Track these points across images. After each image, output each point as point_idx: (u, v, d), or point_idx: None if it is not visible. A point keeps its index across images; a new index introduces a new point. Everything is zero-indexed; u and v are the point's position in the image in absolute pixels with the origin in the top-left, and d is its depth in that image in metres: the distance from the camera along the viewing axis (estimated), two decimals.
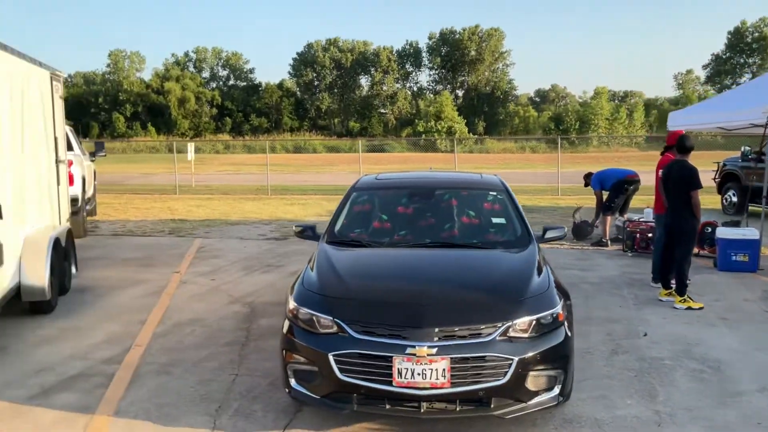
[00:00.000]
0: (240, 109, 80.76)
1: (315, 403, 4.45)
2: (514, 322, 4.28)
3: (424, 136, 61.05)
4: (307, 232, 6.01)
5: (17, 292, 6.97)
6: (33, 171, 7.79)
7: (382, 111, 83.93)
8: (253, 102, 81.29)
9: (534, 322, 4.33)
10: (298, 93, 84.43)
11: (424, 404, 4.18)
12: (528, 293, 4.57)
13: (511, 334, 4.25)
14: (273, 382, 5.38)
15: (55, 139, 9.04)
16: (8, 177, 6.73)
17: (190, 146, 26.00)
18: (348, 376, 4.23)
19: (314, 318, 4.46)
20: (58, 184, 9.15)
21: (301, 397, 4.50)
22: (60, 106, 9.46)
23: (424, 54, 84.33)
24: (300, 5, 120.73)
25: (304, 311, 4.54)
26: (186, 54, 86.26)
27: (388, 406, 4.24)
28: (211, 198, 21.06)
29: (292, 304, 4.68)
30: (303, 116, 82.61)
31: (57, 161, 9.08)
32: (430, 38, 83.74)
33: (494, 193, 6.13)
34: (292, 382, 4.50)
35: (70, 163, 11.04)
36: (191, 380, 5.45)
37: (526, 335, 4.29)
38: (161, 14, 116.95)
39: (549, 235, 5.69)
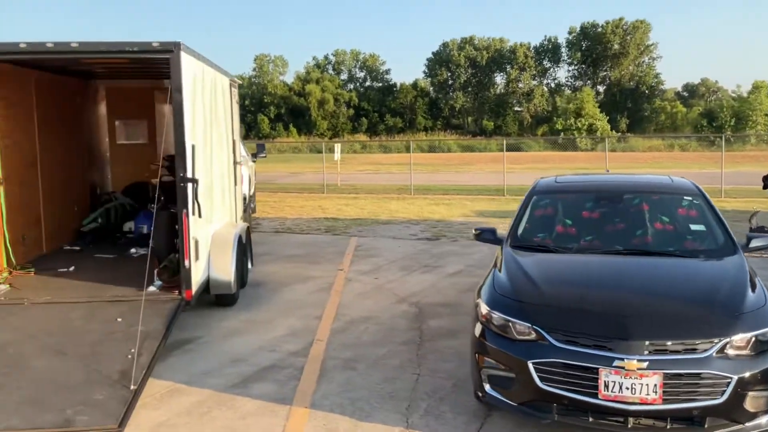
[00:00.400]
0: (376, 109, 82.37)
1: (512, 410, 4.41)
2: (732, 338, 4.02)
3: (562, 134, 59.24)
4: (486, 235, 5.96)
5: (206, 285, 7.47)
6: (218, 172, 8.34)
7: (518, 109, 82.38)
8: (388, 102, 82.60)
9: (753, 339, 4.04)
10: (432, 92, 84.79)
11: (631, 419, 4.02)
12: (745, 308, 4.27)
13: (729, 351, 4.00)
14: (457, 384, 5.40)
15: (233, 141, 9.63)
16: (203, 177, 7.22)
17: (337, 147, 26.81)
18: (549, 385, 4.15)
19: (510, 324, 4.42)
20: (235, 184, 9.75)
21: (496, 402, 4.47)
22: (236, 110, 10.07)
23: (563, 49, 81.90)
24: (437, 5, 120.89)
25: (498, 316, 4.51)
26: (326, 57, 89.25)
27: (591, 419, 4.12)
28: (357, 197, 21.60)
29: (484, 309, 4.66)
30: (437, 115, 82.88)
31: (234, 162, 9.67)
32: (570, 33, 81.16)
33: (689, 198, 5.79)
34: (487, 387, 4.48)
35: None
36: (376, 377, 5.59)
37: (744, 353, 4.01)
38: (304, 19, 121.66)
39: (755, 243, 5.28)
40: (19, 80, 8.24)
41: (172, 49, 6.32)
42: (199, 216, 6.83)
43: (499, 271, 5.09)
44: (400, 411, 4.92)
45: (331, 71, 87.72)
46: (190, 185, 6.61)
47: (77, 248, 9.22)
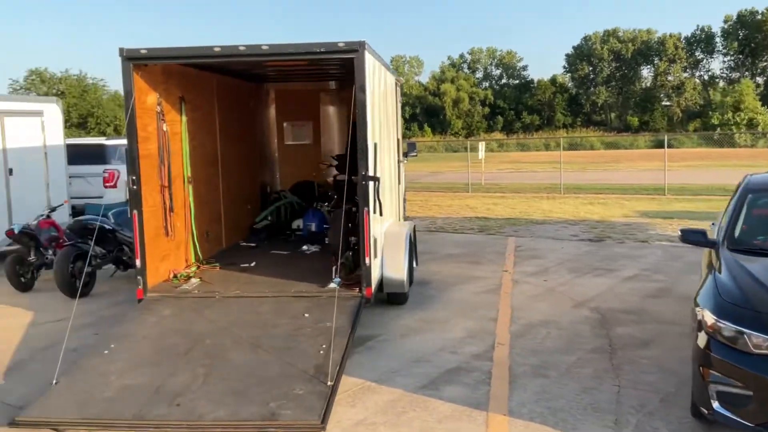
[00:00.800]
0: (512, 107, 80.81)
1: (746, 431, 3.96)
2: None
3: (719, 129, 55.04)
4: (694, 236, 5.44)
5: (379, 283, 7.47)
6: (387, 170, 8.34)
7: (666, 103, 77.55)
8: (524, 99, 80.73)
9: None
10: (572, 88, 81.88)
11: None
12: None
13: None
14: (665, 398, 4.99)
15: (398, 140, 9.64)
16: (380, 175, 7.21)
17: (481, 145, 26.42)
18: None
19: (745, 336, 3.97)
20: (399, 183, 9.76)
21: (725, 420, 4.05)
22: (399, 109, 10.08)
23: (717, 39, 76.10)
24: None
25: (729, 326, 4.07)
26: (461, 56, 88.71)
27: None
28: (504, 196, 21.15)
29: (709, 318, 4.23)
30: (577, 112, 79.92)
31: (399, 161, 9.68)
32: (725, 21, 75.28)
33: None
34: (715, 404, 4.06)
35: None
36: (572, 386, 5.28)
37: None
38: (439, 19, 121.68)
39: None
40: (203, 84, 8.70)
41: (357, 48, 6.35)
42: (380, 214, 6.84)
43: (721, 276, 4.61)
44: (607, 425, 4.59)
45: (466, 70, 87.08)
46: (371, 183, 6.61)
47: (252, 245, 9.61)
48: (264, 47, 6.44)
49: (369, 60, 6.60)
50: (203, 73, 8.62)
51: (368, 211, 6.55)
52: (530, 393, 5.18)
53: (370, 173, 6.58)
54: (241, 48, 6.45)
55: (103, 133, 49.61)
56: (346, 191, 6.82)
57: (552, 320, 7.15)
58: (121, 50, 6.51)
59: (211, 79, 8.95)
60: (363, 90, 6.40)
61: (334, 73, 10.09)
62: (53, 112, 11.82)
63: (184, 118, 7.98)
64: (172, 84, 7.66)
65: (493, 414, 4.83)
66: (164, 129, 7.40)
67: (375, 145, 6.71)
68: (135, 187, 6.68)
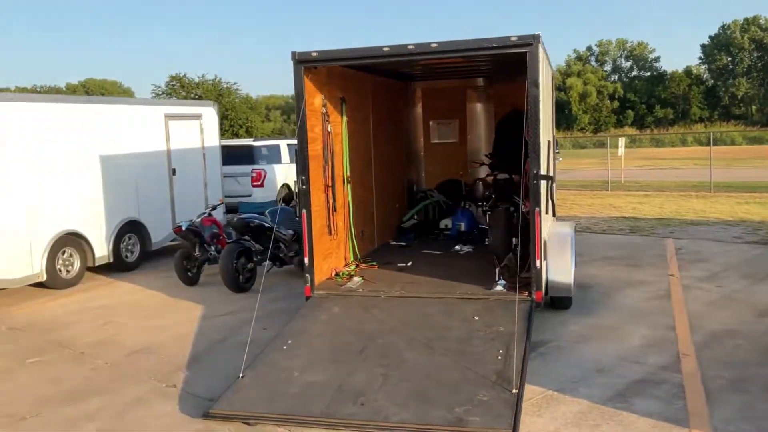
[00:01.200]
0: (643, 100, 76.92)
1: None
2: None
3: None
4: None
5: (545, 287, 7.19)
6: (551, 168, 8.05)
7: None
8: (657, 92, 76.59)
9: None
10: (709, 80, 76.73)
11: None
12: None
13: None
14: None
15: (553, 136, 9.30)
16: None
17: (621, 141, 25.19)
18: None
19: None
20: (553, 181, 9.40)
21: None
22: (554, 104, 9.75)
23: None
24: None
25: None
26: (588, 48, 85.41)
27: None
28: (648, 195, 20.02)
29: None
30: (714, 105, 74.84)
31: (554, 158, 9.33)
32: None
33: None
34: None
35: None
36: None
37: None
38: (565, 11, 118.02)
39: None
40: (360, 84, 8.78)
41: (531, 42, 6.12)
42: (554, 215, 6.58)
43: None
44: None
45: (593, 63, 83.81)
46: (543, 183, 6.37)
47: (403, 244, 9.61)
48: (433, 45, 6.35)
49: (541, 54, 6.36)
50: (360, 74, 8.70)
51: (539, 212, 6.30)
52: (732, 409, 4.76)
53: (542, 172, 6.33)
54: (410, 47, 6.40)
55: (236, 135, 51.95)
56: (523, 191, 6.59)
57: (737, 330, 6.60)
58: (294, 54, 6.65)
59: (367, 79, 9.02)
60: (536, 85, 6.16)
61: (483, 69, 9.91)
62: (210, 115, 12.43)
63: (344, 119, 8.08)
64: (333, 85, 7.76)
65: (696, 431, 4.46)
66: (328, 130, 7.52)
67: (548, 142, 6.45)
68: (305, 186, 6.81)
